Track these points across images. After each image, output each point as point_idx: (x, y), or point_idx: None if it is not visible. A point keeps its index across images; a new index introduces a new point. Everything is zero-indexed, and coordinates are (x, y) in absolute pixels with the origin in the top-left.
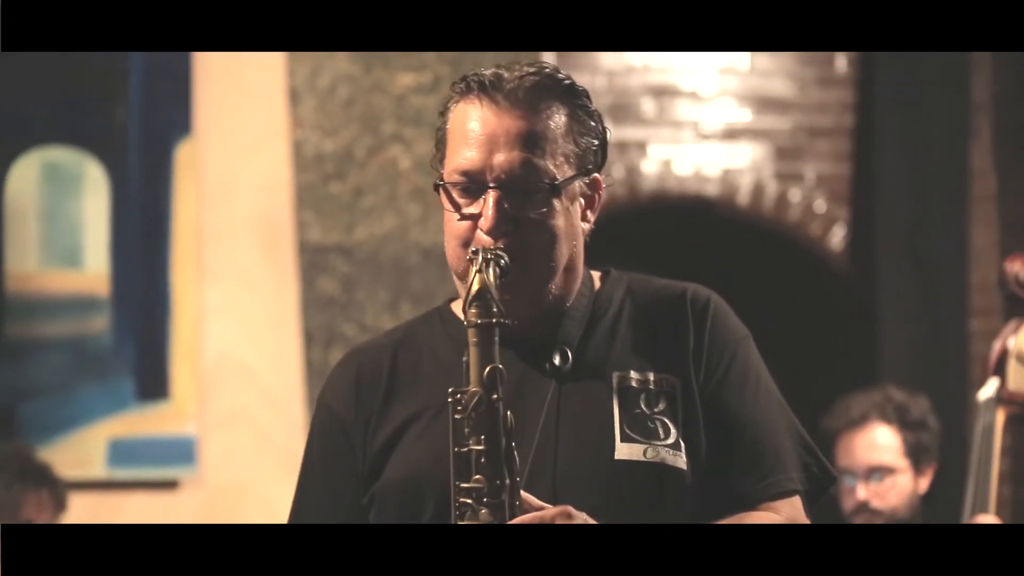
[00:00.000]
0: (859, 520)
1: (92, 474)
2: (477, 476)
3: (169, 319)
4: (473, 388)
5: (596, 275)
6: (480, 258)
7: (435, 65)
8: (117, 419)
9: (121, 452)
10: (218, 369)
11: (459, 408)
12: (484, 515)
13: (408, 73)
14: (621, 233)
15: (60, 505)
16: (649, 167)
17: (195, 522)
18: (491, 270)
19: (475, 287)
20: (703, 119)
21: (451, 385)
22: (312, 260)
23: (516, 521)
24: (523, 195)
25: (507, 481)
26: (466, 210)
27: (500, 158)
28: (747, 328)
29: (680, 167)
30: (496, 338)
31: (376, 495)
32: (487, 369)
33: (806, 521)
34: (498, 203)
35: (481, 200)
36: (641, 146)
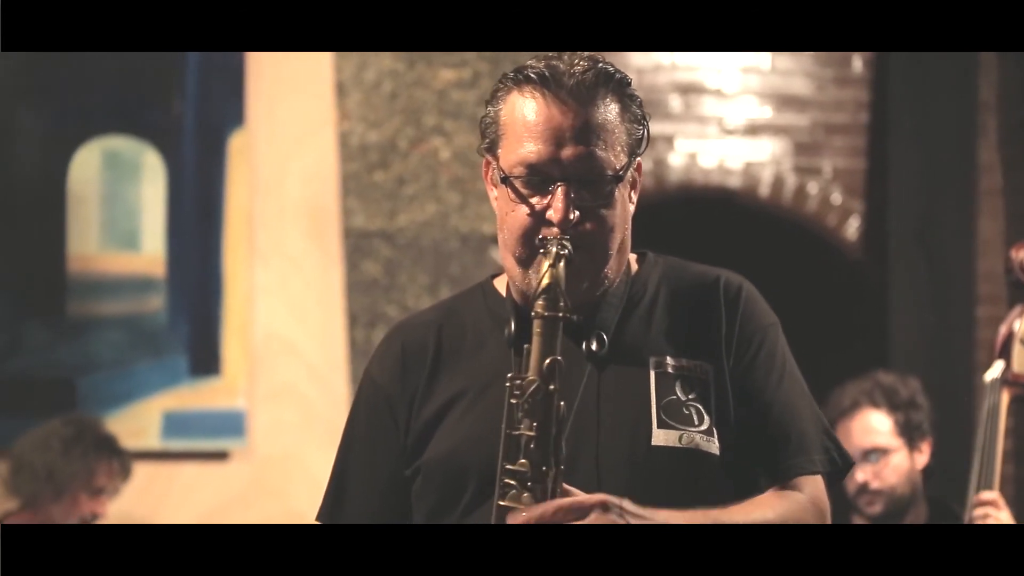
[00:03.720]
0: (862, 502)
1: (147, 445)
2: (523, 460)
3: (221, 299)
4: (532, 376)
5: (633, 258)
6: (554, 251)
7: (475, 62)
8: (171, 393)
9: (175, 424)
10: (267, 347)
11: (516, 393)
12: (526, 498)
13: (449, 69)
14: (648, 222)
15: (126, 474)
16: (676, 160)
17: (244, 491)
18: (561, 264)
19: (546, 280)
20: (727, 115)
21: (494, 361)
22: (356, 244)
23: (557, 503)
24: (588, 186)
25: (552, 469)
26: (532, 201)
27: (567, 152)
28: (775, 316)
29: (705, 160)
30: (559, 332)
31: (421, 470)
32: (548, 360)
33: (826, 500)
34: (566, 195)
35: (546, 192)
36: (668, 140)
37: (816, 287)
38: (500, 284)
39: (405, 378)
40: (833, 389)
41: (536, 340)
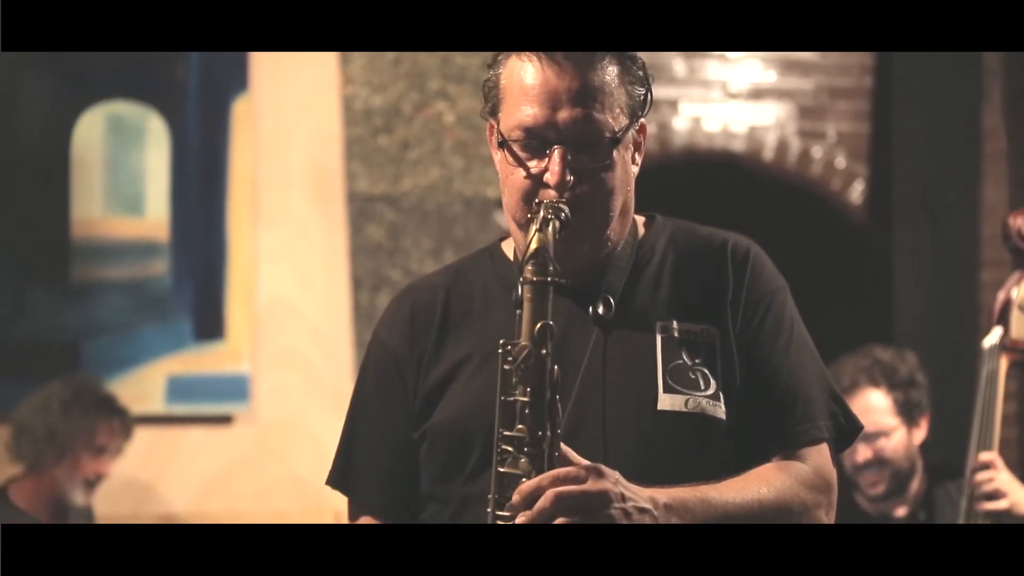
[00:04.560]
0: (864, 481)
1: (151, 409)
2: (520, 426)
3: (225, 263)
4: (524, 342)
5: (640, 220)
6: (541, 215)
7: None
8: (175, 357)
9: (179, 388)
10: (271, 311)
11: (509, 359)
12: (523, 464)
13: None
14: (652, 186)
15: (128, 434)
16: (680, 124)
17: (248, 455)
18: (550, 228)
19: (533, 245)
20: (731, 79)
21: (501, 324)
22: (361, 209)
23: (552, 473)
24: (585, 149)
25: (548, 433)
26: (529, 164)
27: (563, 114)
28: (784, 279)
29: (709, 124)
30: (550, 296)
31: (428, 433)
32: (539, 325)
33: (831, 469)
34: (563, 158)
35: (544, 155)
36: (673, 104)
37: (820, 251)
38: (508, 247)
39: (414, 341)
40: (836, 356)
41: (526, 305)
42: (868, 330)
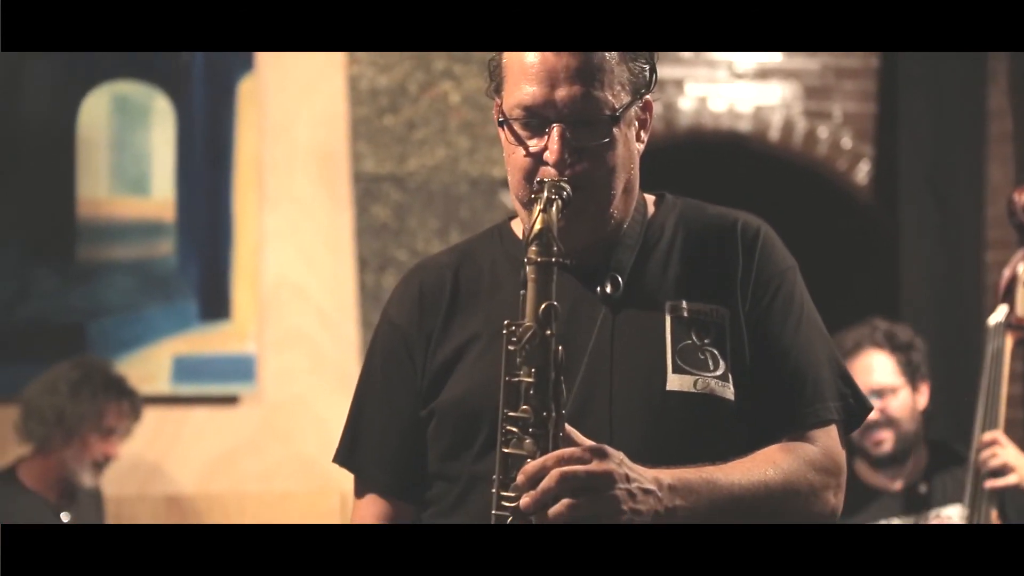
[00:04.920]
0: (870, 442)
1: (157, 389)
2: (524, 407)
3: (231, 244)
4: (528, 322)
5: (650, 200)
6: (544, 196)
7: None
8: (181, 338)
9: (184, 369)
10: (277, 291)
11: (513, 339)
12: (528, 444)
13: None
14: (658, 166)
15: (136, 415)
16: (686, 104)
17: (253, 435)
18: (554, 208)
19: (537, 226)
20: (737, 59)
21: (509, 304)
22: (366, 189)
23: (557, 454)
24: (585, 126)
25: (552, 414)
26: (529, 143)
27: (562, 93)
28: (794, 259)
29: (715, 104)
30: (554, 276)
31: (435, 412)
32: (543, 306)
33: (840, 451)
34: (562, 136)
35: (544, 133)
36: (678, 84)
37: (826, 232)
38: (517, 226)
39: (422, 319)
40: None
41: (531, 286)
42: (874, 310)
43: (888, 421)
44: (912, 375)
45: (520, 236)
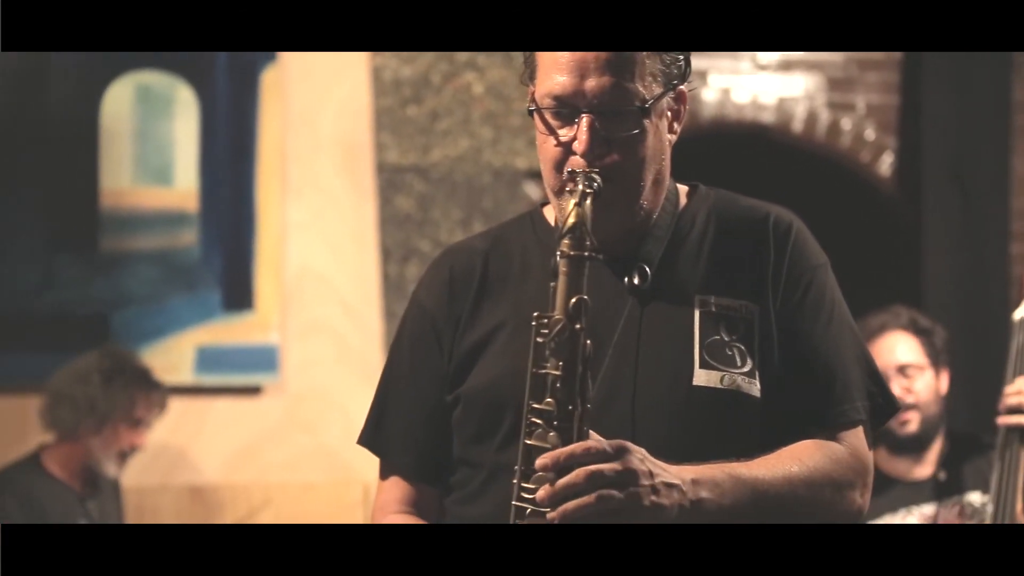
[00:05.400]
0: (895, 421)
1: (180, 380)
2: (549, 399)
3: (254, 234)
4: (558, 315)
5: (683, 190)
6: (579, 189)
7: None
8: (204, 328)
9: (208, 359)
10: (300, 282)
11: (543, 331)
12: (552, 437)
13: None
14: (682, 157)
15: (163, 406)
16: (709, 95)
17: (277, 426)
18: (588, 202)
19: (571, 220)
20: (760, 51)
21: (538, 292)
22: (390, 179)
23: (584, 444)
24: (614, 117)
25: (578, 408)
26: (560, 132)
27: (591, 83)
28: (825, 255)
29: (738, 96)
30: (586, 271)
31: (461, 398)
32: (573, 300)
33: (867, 451)
34: (591, 127)
35: (574, 123)
36: (702, 75)
37: (849, 224)
38: (549, 213)
39: (451, 303)
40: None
41: (562, 279)
42: (897, 302)
43: (914, 400)
44: (935, 358)
45: (552, 223)
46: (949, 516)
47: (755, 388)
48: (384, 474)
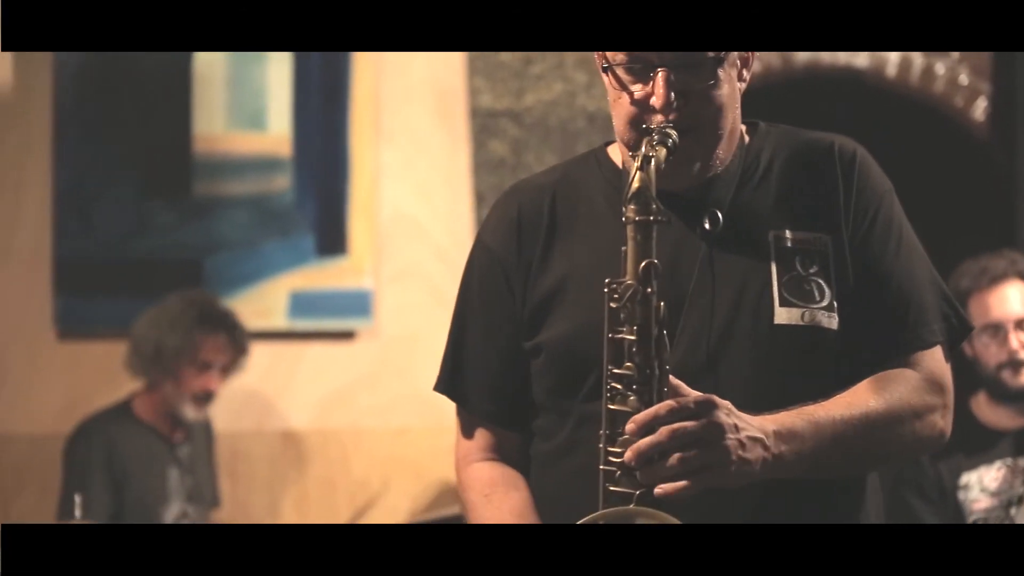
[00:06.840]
0: (1007, 373)
1: (274, 324)
2: (628, 364)
3: (347, 179)
4: (629, 280)
5: (743, 128)
6: (642, 152)
7: None
8: (298, 273)
9: (301, 304)
10: (393, 226)
11: (615, 297)
12: (632, 401)
13: None
14: (775, 103)
15: (240, 349)
16: None
17: (370, 371)
18: (651, 165)
19: (636, 184)
20: None
21: (608, 240)
22: (483, 124)
23: (667, 404)
24: (689, 69)
25: (656, 371)
26: (633, 88)
27: None
28: (890, 182)
29: None
30: (653, 234)
31: (542, 348)
32: (643, 264)
33: (946, 373)
34: (667, 80)
35: (648, 79)
36: None
37: (943, 168)
38: (614, 152)
39: (521, 246)
40: (962, 263)
41: (631, 244)
42: (991, 249)
43: None
44: None
45: (619, 164)
46: None
47: (834, 321)
48: (463, 420)
